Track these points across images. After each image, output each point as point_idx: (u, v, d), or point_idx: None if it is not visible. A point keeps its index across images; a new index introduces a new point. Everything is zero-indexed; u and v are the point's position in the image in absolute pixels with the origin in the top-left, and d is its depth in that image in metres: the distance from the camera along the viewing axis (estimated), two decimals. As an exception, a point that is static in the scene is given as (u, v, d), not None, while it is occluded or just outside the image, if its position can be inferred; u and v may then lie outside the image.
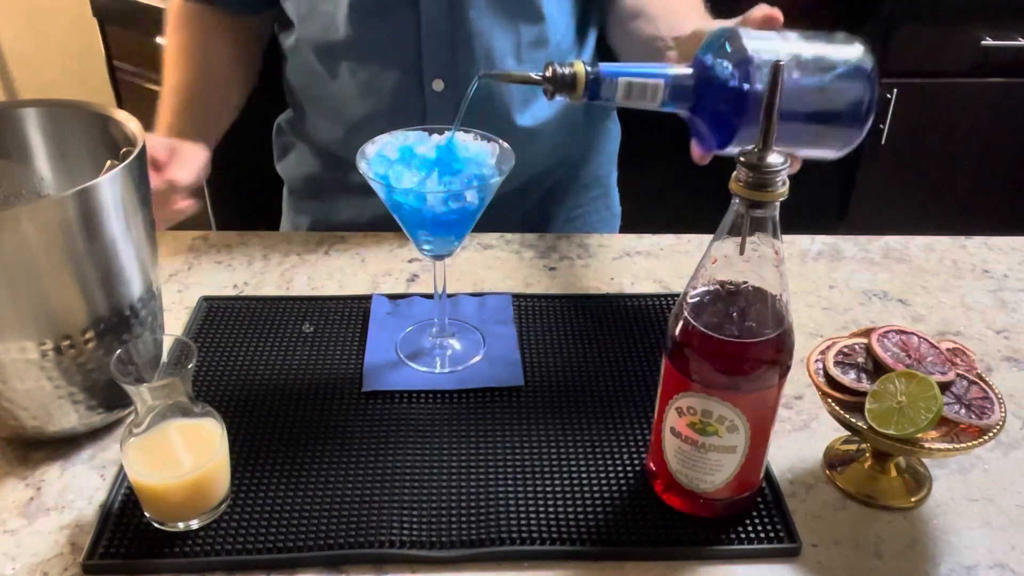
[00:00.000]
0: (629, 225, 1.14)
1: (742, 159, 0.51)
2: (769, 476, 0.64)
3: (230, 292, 0.85)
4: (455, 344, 0.78)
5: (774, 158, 0.51)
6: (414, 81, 0.90)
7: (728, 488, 0.59)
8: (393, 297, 0.83)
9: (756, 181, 0.51)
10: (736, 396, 0.55)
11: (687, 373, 0.56)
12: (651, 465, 0.63)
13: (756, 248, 0.53)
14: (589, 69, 0.63)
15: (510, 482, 0.64)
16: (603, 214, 1.11)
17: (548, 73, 0.63)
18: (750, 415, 0.56)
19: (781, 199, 0.52)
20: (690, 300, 0.56)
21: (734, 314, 0.55)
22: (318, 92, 0.96)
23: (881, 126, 1.94)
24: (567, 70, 0.63)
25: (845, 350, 0.65)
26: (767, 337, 0.55)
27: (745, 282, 0.55)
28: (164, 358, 0.60)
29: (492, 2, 0.87)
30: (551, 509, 0.62)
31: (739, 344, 0.55)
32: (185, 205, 0.84)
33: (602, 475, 0.65)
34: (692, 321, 0.56)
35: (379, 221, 0.89)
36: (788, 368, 0.57)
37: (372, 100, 0.92)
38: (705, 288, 0.56)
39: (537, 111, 0.94)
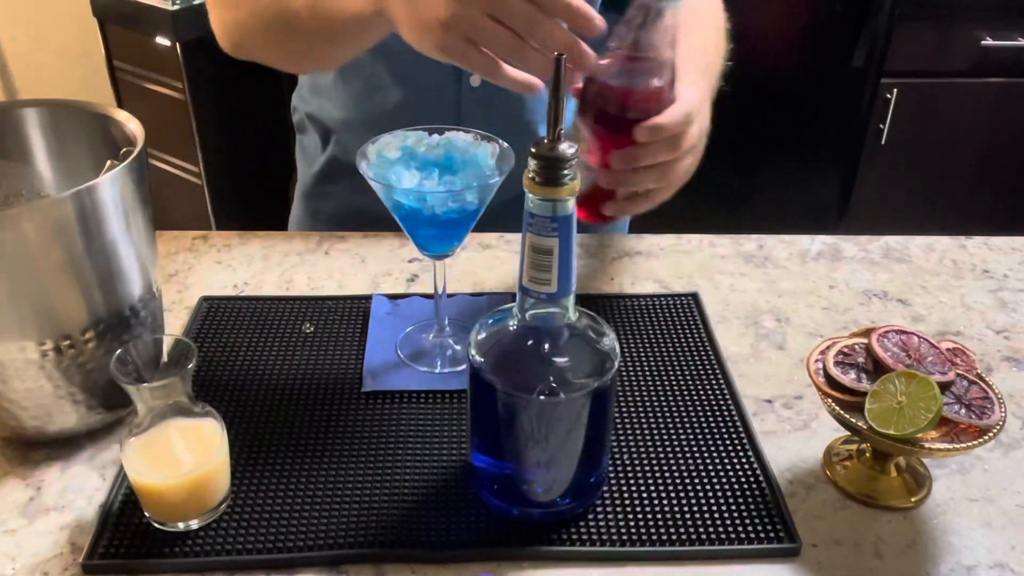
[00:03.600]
0: (632, 223, 1.14)
1: None
2: (769, 476, 0.64)
3: (230, 292, 0.85)
4: (455, 344, 0.78)
5: None
6: (452, 74, 0.89)
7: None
8: (393, 297, 0.83)
9: None
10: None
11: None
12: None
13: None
14: None
15: (510, 482, 0.64)
16: None
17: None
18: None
19: None
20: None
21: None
22: (352, 73, 0.92)
23: (881, 126, 1.95)
24: None
25: (845, 350, 0.65)
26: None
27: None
28: (164, 358, 0.60)
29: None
30: (551, 509, 0.62)
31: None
32: None
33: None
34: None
35: None
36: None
37: (406, 87, 0.90)
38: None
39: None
